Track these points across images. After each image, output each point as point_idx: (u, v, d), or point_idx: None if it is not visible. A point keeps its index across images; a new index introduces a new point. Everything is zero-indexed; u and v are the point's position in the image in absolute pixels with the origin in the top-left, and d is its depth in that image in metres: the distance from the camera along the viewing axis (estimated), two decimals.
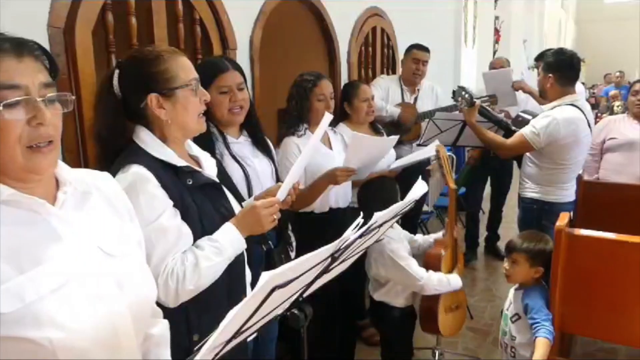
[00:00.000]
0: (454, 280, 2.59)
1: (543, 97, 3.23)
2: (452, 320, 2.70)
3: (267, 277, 0.86)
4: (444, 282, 2.53)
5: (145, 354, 1.17)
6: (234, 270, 1.54)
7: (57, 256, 0.94)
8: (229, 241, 1.46)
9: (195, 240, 1.45)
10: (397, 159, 3.26)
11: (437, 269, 2.59)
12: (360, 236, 1.21)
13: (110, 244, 1.05)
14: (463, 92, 3.22)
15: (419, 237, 2.83)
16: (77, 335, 0.92)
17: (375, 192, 2.56)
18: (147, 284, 1.12)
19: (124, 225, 1.14)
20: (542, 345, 2.17)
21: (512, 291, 2.50)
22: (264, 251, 1.99)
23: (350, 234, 1.13)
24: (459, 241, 2.85)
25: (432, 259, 2.63)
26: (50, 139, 0.94)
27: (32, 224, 0.95)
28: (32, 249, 0.92)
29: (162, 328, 1.24)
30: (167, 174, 1.43)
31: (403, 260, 2.49)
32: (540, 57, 3.17)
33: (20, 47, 0.92)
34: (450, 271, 2.69)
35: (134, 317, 1.04)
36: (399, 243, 2.56)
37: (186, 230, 1.44)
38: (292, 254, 2.17)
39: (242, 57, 2.90)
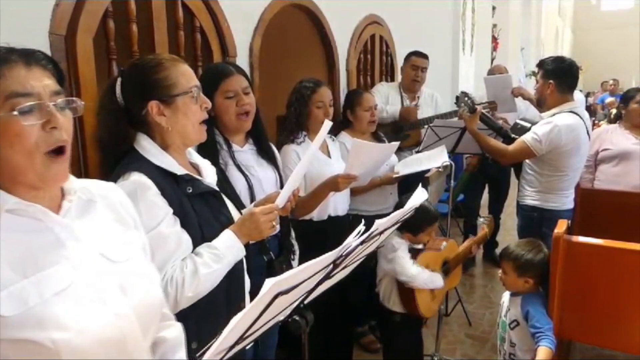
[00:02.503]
0: (438, 281, 2.65)
1: (540, 104, 3.24)
2: (429, 302, 2.72)
3: (271, 284, 0.87)
4: (432, 281, 2.62)
5: (162, 357, 1.19)
6: (233, 278, 1.54)
7: (60, 262, 0.96)
8: (228, 248, 1.47)
9: (194, 247, 1.46)
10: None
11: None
12: (362, 243, 1.22)
13: (113, 250, 1.07)
14: (466, 98, 3.23)
15: None
16: (81, 336, 0.94)
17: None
18: (151, 288, 1.13)
19: (129, 233, 1.16)
20: (544, 353, 2.16)
21: (506, 296, 2.50)
22: (265, 261, 2.00)
23: (352, 240, 1.14)
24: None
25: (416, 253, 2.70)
26: (63, 144, 0.97)
27: (36, 232, 0.97)
28: (35, 255, 0.94)
29: (175, 331, 1.25)
30: (167, 181, 1.44)
31: (401, 262, 2.57)
32: (540, 65, 3.19)
33: (28, 56, 0.96)
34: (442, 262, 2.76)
35: (139, 319, 1.05)
36: (398, 237, 2.63)
37: (186, 238, 1.44)
38: (295, 263, 2.17)
39: (242, 64, 2.90)
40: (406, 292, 2.61)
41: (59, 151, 0.97)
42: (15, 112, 0.90)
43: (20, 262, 0.92)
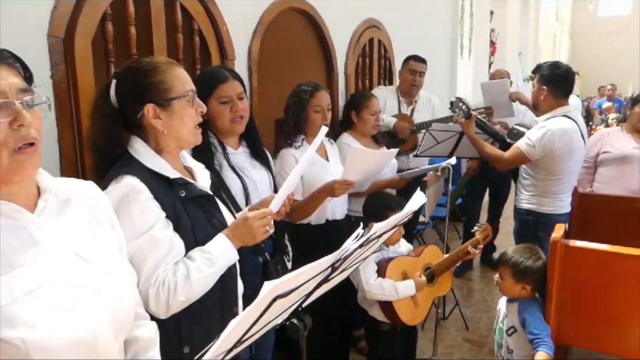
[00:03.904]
0: (404, 289, 2.45)
1: (535, 108, 3.25)
2: (411, 309, 2.55)
3: (270, 287, 0.86)
4: (388, 290, 2.42)
5: (134, 357, 1.19)
6: (225, 282, 1.54)
7: (33, 261, 0.96)
8: (221, 252, 1.46)
9: (187, 251, 1.45)
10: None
11: (383, 270, 2.49)
12: (360, 246, 1.22)
13: (88, 250, 1.07)
14: (460, 104, 3.24)
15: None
16: (52, 336, 0.94)
17: (381, 203, 2.55)
18: (126, 288, 1.13)
19: (105, 232, 1.15)
20: (542, 359, 2.16)
21: (503, 302, 2.50)
22: (260, 262, 1.99)
23: (350, 244, 1.14)
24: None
25: (383, 263, 2.54)
26: (32, 141, 0.97)
27: (10, 230, 0.97)
28: (8, 254, 0.94)
29: (148, 330, 1.25)
30: (160, 185, 1.43)
31: (364, 267, 2.45)
32: (536, 70, 3.21)
33: None
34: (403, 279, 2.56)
35: (112, 320, 1.05)
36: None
37: (178, 242, 1.43)
38: (289, 264, 2.17)
39: (241, 67, 2.91)
40: (384, 300, 2.49)
41: (27, 146, 0.97)
42: None
43: None
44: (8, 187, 0.97)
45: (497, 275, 2.45)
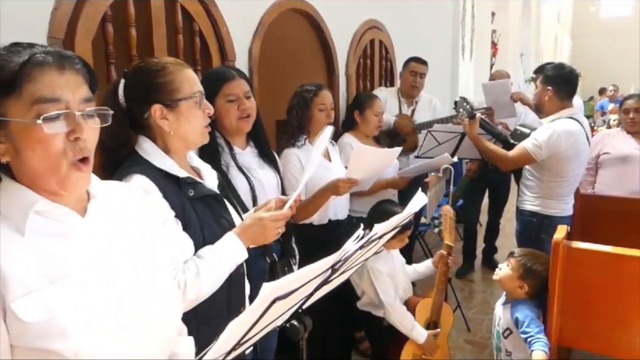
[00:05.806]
0: (417, 332, 2.52)
1: (539, 110, 3.24)
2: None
3: (269, 289, 0.86)
4: (407, 320, 2.51)
5: None
6: (233, 283, 1.54)
7: (85, 269, 0.95)
8: (230, 251, 1.46)
9: (195, 251, 1.45)
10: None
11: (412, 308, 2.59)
12: (360, 248, 1.21)
13: (137, 259, 1.05)
14: (465, 104, 3.23)
15: (410, 267, 2.89)
16: (102, 349, 0.92)
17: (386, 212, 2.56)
18: (171, 300, 1.12)
19: (151, 239, 1.14)
20: (539, 357, 2.16)
21: (499, 307, 2.51)
22: (267, 264, 1.99)
23: (350, 245, 1.13)
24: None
25: (412, 303, 2.63)
26: (87, 154, 0.95)
27: (62, 235, 0.95)
28: (60, 259, 0.92)
29: (186, 346, 1.23)
30: (168, 184, 1.44)
31: (378, 280, 2.55)
32: (540, 70, 3.20)
33: (62, 60, 0.93)
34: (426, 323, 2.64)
35: (158, 331, 1.04)
36: (381, 260, 2.59)
37: (187, 241, 1.44)
38: (295, 267, 2.16)
39: (241, 68, 2.89)
40: (398, 340, 2.53)
41: (82, 160, 0.95)
42: (39, 121, 0.88)
43: (44, 265, 0.90)
44: (56, 197, 0.96)
45: (501, 264, 2.45)
